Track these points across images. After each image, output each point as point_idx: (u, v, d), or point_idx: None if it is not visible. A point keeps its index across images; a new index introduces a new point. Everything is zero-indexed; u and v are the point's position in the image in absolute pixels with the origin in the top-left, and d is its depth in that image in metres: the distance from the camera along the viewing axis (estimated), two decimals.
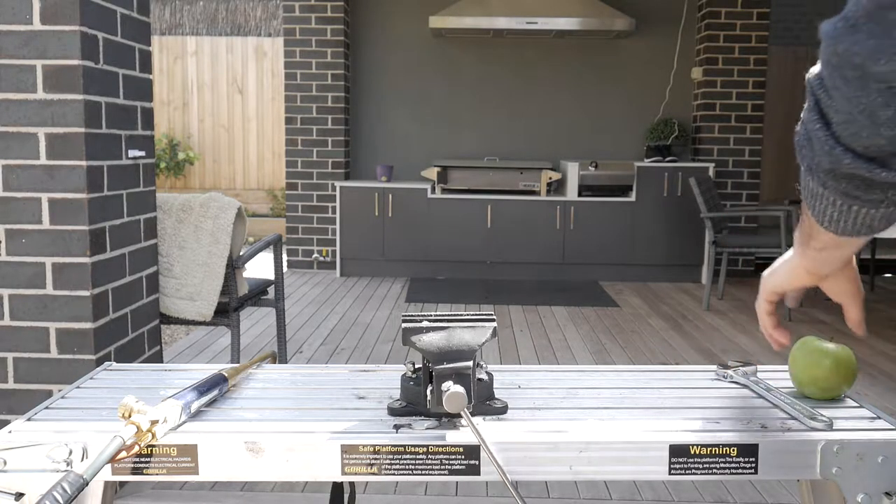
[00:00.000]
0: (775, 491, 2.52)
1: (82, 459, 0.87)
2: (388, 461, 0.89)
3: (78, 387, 1.10)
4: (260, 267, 5.95)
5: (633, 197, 6.12)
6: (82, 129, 2.19)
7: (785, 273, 0.95)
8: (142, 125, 2.58)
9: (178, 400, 0.92)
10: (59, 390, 1.64)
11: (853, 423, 0.95)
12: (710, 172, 6.09)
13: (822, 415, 0.94)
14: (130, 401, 0.86)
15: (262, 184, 10.11)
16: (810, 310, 5.14)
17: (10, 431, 0.91)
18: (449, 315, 0.97)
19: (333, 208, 6.53)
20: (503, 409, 0.99)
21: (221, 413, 0.99)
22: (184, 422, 0.93)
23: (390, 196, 6.19)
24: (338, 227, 6.31)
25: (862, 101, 0.59)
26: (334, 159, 6.51)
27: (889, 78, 0.57)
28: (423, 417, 0.96)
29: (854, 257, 0.89)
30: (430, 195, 6.17)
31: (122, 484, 2.45)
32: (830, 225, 0.75)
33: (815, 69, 0.67)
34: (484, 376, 0.99)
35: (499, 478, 0.89)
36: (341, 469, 0.89)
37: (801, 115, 0.71)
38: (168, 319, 2.99)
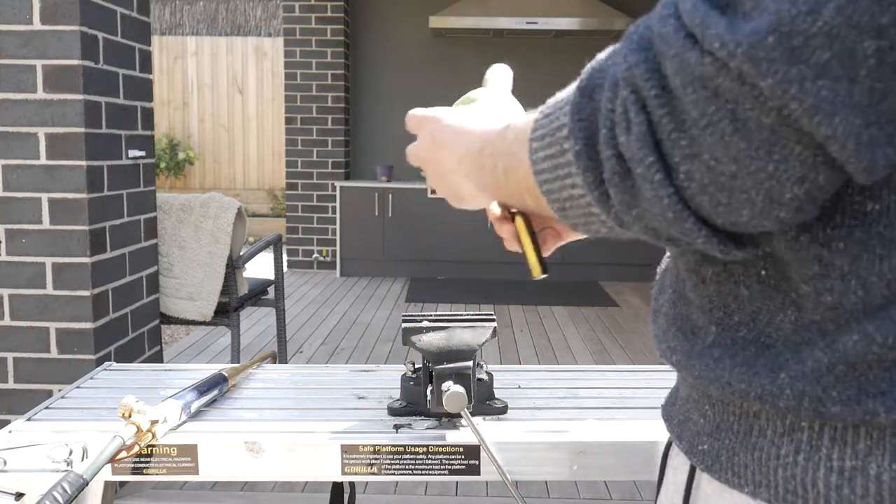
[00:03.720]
0: None
1: (82, 459, 0.87)
2: (388, 461, 0.89)
3: (78, 387, 1.10)
4: (260, 267, 5.95)
5: None
6: (82, 129, 2.19)
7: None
8: (142, 125, 2.58)
9: (178, 400, 0.92)
10: (59, 390, 1.64)
11: None
12: None
13: None
14: (130, 401, 0.86)
15: (262, 184, 10.11)
16: None
17: (10, 431, 0.91)
18: (449, 315, 0.97)
19: (333, 208, 6.53)
20: (503, 409, 0.99)
21: (221, 413, 0.99)
22: (184, 422, 0.93)
23: (390, 196, 6.19)
24: (338, 227, 6.31)
25: (766, 167, 0.38)
26: (334, 159, 6.51)
27: (839, 137, 0.36)
28: (423, 417, 0.96)
29: None
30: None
31: (122, 484, 2.45)
32: (584, 230, 0.52)
33: (645, 59, 0.41)
34: (484, 376, 0.99)
35: (499, 478, 0.89)
36: (341, 469, 0.89)
37: (598, 119, 0.45)
38: (168, 319, 2.99)
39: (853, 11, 0.34)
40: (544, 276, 0.74)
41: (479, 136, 0.65)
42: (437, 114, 0.76)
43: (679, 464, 0.57)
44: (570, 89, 0.49)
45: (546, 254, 0.77)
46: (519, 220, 0.74)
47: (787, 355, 0.45)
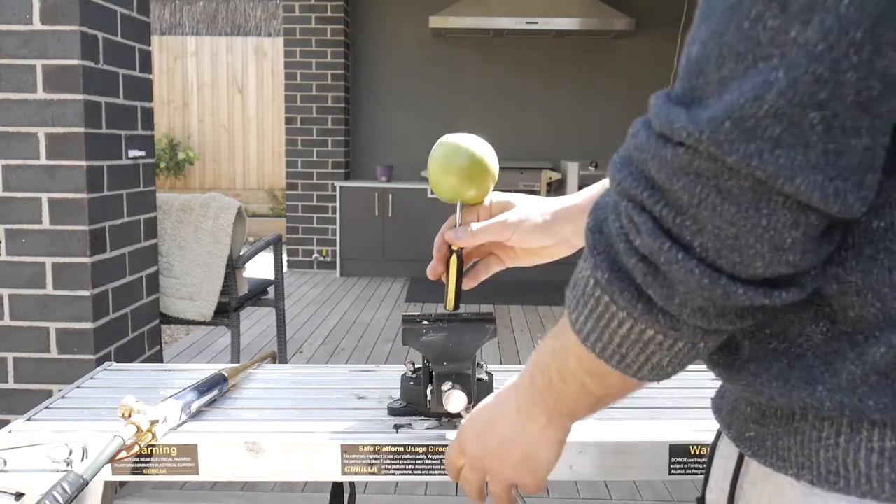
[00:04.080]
0: None
1: (82, 459, 0.87)
2: (388, 461, 0.89)
3: (78, 387, 1.10)
4: (260, 267, 5.95)
5: None
6: (82, 129, 2.19)
7: (541, 460, 0.69)
8: (142, 125, 2.58)
9: (178, 400, 0.92)
10: (59, 390, 1.64)
11: None
12: None
13: None
14: (130, 401, 0.86)
15: (262, 184, 10.11)
16: None
17: (10, 431, 0.91)
18: (449, 315, 0.97)
19: (333, 208, 6.53)
20: None
21: (221, 413, 0.99)
22: (184, 422, 0.93)
23: (390, 196, 6.19)
24: (338, 227, 6.31)
25: (760, 222, 0.43)
26: (334, 159, 6.51)
27: (803, 195, 0.41)
28: (423, 417, 0.96)
29: None
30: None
31: (122, 484, 2.45)
32: (652, 373, 0.55)
33: (632, 174, 0.48)
34: (484, 376, 0.99)
35: None
36: (341, 469, 0.89)
37: (612, 241, 0.50)
38: (168, 319, 2.99)
39: (794, 93, 0.39)
40: (455, 310, 0.89)
41: (512, 386, 0.70)
42: (462, 430, 0.76)
43: (728, 453, 0.60)
44: (583, 257, 0.55)
45: (485, 276, 0.92)
46: (453, 260, 0.88)
47: (821, 367, 0.49)
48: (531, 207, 0.90)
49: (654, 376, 0.56)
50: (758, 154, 0.41)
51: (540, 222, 0.88)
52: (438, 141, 0.95)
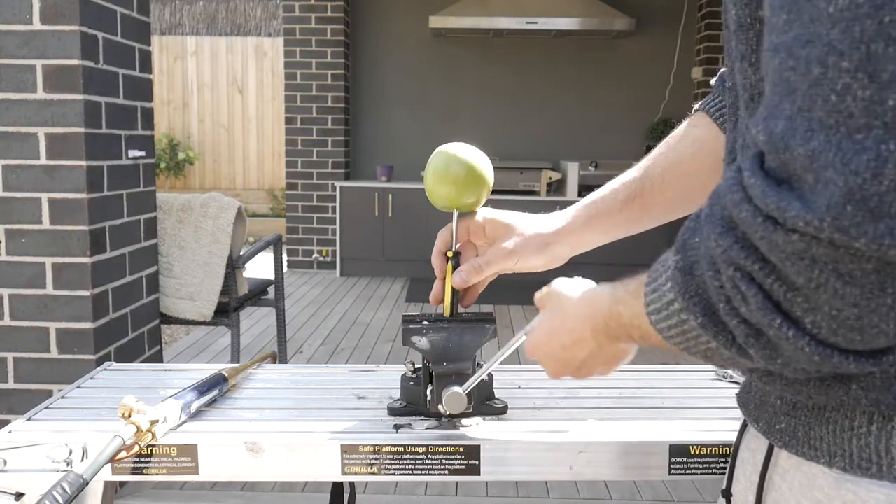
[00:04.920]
0: None
1: (82, 459, 0.87)
2: (388, 461, 0.89)
3: (78, 387, 1.10)
4: (260, 267, 5.95)
5: None
6: (82, 129, 2.19)
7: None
8: (142, 125, 2.58)
9: (178, 400, 0.92)
10: (59, 390, 1.64)
11: None
12: None
13: None
14: (130, 401, 0.86)
15: (262, 184, 10.11)
16: None
17: (10, 431, 0.91)
18: (454, 304, 0.97)
19: (333, 208, 6.53)
20: (503, 409, 0.99)
21: (221, 413, 0.99)
22: (184, 422, 0.93)
23: (390, 196, 6.19)
24: (338, 227, 6.31)
25: (885, 301, 0.41)
26: (334, 159, 6.51)
27: None
28: (423, 417, 0.96)
29: None
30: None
31: (122, 484, 2.45)
32: (701, 359, 0.57)
33: (737, 240, 0.46)
34: (484, 376, 0.99)
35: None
36: (341, 469, 0.89)
37: (711, 297, 0.50)
38: (168, 319, 2.99)
39: None
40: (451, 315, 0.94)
41: (593, 312, 0.73)
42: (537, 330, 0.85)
43: (757, 446, 0.62)
44: (665, 262, 0.56)
45: (482, 290, 0.97)
46: (448, 268, 0.94)
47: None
48: (526, 230, 0.94)
49: (706, 362, 0.57)
50: (889, 233, 0.39)
51: (539, 246, 0.94)
52: (435, 151, 0.96)
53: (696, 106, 0.91)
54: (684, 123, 0.91)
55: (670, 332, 0.56)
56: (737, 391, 0.67)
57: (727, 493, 0.68)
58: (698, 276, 0.50)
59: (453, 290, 0.95)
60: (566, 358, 0.77)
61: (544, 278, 0.88)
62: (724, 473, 0.89)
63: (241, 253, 3.17)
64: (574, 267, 0.96)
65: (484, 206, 0.98)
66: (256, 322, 4.81)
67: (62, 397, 1.05)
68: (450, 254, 0.95)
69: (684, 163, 0.90)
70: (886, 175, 0.38)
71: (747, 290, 0.46)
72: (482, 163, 0.95)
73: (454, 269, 0.94)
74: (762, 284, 0.45)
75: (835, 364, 0.45)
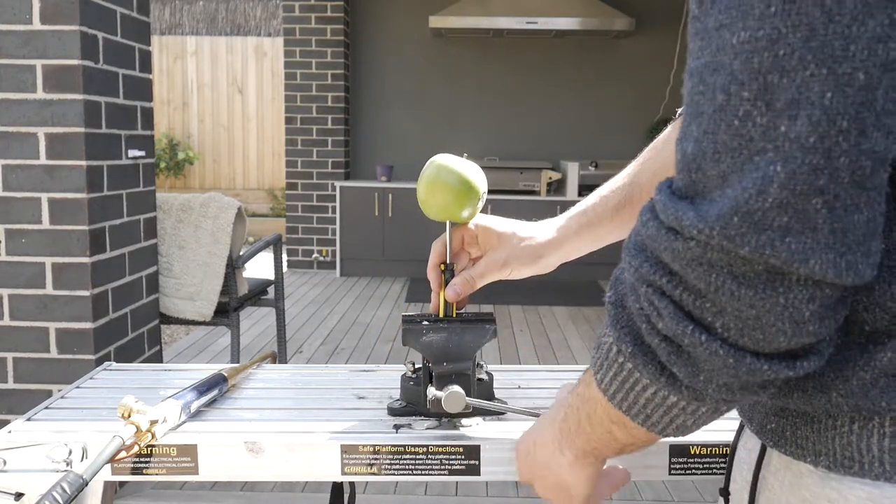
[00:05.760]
0: None
1: (82, 459, 0.87)
2: (388, 461, 0.89)
3: (78, 387, 1.10)
4: (260, 267, 5.95)
5: None
6: (82, 129, 2.19)
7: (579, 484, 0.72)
8: (142, 125, 2.58)
9: (178, 400, 0.92)
10: (59, 390, 1.64)
11: None
12: None
13: None
14: (130, 401, 0.86)
15: (262, 184, 10.11)
16: None
17: (10, 431, 0.91)
18: (449, 315, 0.97)
19: (333, 208, 6.53)
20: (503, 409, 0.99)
21: (221, 413, 0.99)
22: (183, 422, 0.93)
23: (390, 196, 6.19)
24: (338, 227, 6.31)
25: (778, 301, 0.45)
26: (334, 159, 6.51)
27: (818, 273, 0.44)
28: (423, 417, 0.96)
29: None
30: None
31: (122, 484, 2.45)
32: (676, 431, 0.59)
33: (649, 261, 0.50)
34: (484, 376, 0.99)
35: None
36: (341, 469, 0.89)
37: (634, 321, 0.53)
38: (168, 319, 2.99)
39: (795, 184, 0.42)
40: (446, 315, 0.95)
41: (552, 415, 0.73)
42: (517, 445, 0.82)
43: (752, 445, 0.63)
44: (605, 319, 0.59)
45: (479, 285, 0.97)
46: (443, 278, 0.95)
47: (832, 374, 0.51)
48: (518, 241, 0.96)
49: (678, 433, 0.59)
50: (769, 244, 0.43)
51: (532, 257, 0.95)
52: (428, 161, 0.97)
53: (679, 110, 0.92)
54: (669, 127, 0.92)
55: (612, 385, 0.58)
56: None
57: (725, 492, 0.70)
58: (627, 307, 0.54)
59: (447, 301, 0.96)
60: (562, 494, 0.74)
61: (544, 277, 0.88)
62: (724, 473, 0.89)
63: (241, 253, 3.17)
64: (580, 268, 0.96)
65: (482, 210, 0.99)
66: (256, 322, 4.81)
67: (62, 397, 1.05)
68: (442, 266, 0.96)
69: (671, 167, 0.91)
70: (770, 193, 0.42)
71: (660, 304, 0.49)
72: (474, 173, 0.96)
73: (447, 281, 0.95)
74: (672, 296, 0.49)
75: (749, 366, 0.48)
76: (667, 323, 0.49)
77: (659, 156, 0.92)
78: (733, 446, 0.69)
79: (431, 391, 0.90)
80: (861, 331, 0.50)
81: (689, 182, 0.47)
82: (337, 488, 1.09)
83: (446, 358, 0.92)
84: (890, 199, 0.47)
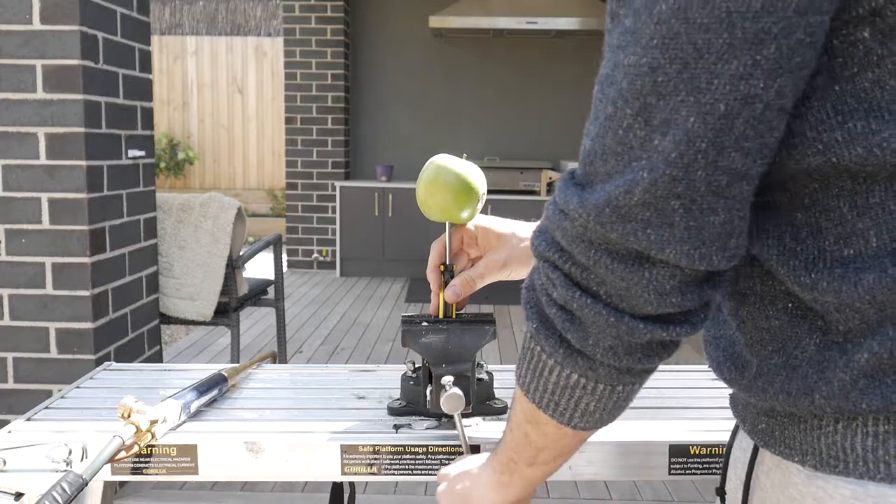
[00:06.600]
0: None
1: (82, 459, 0.87)
2: (388, 461, 0.89)
3: (78, 387, 1.10)
4: (260, 267, 5.95)
5: None
6: (82, 129, 2.19)
7: None
8: (142, 125, 2.58)
9: (178, 400, 0.92)
10: (59, 390, 1.64)
11: None
12: None
13: None
14: (129, 401, 0.86)
15: (262, 184, 10.11)
16: None
17: (9, 431, 0.91)
18: (449, 316, 0.97)
19: (333, 208, 6.53)
20: (503, 409, 0.99)
21: (221, 413, 0.99)
22: (183, 422, 0.93)
23: (390, 196, 6.19)
24: (338, 227, 6.31)
25: (643, 275, 0.52)
26: (334, 159, 6.51)
27: (673, 260, 0.51)
28: (422, 417, 0.96)
29: None
30: None
31: (122, 484, 2.45)
32: (582, 420, 0.62)
33: (546, 240, 0.57)
34: (484, 376, 0.99)
35: None
36: (341, 469, 0.89)
37: (538, 296, 0.59)
38: (168, 319, 2.99)
39: (655, 189, 0.49)
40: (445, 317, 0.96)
41: (497, 452, 0.74)
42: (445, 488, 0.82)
43: (746, 444, 0.66)
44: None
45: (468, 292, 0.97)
46: (443, 279, 0.97)
47: (814, 377, 0.54)
48: (518, 241, 0.97)
49: (584, 423, 0.63)
50: (633, 233, 0.51)
51: (531, 257, 0.96)
52: (427, 162, 0.98)
53: None
54: None
55: (527, 376, 0.63)
56: (663, 402, 0.71)
57: (721, 491, 0.71)
58: (535, 287, 0.60)
59: (447, 302, 0.96)
60: None
61: None
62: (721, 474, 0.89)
63: (241, 253, 3.17)
64: None
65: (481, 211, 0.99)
66: (256, 322, 4.81)
67: (62, 397, 1.05)
68: (442, 267, 0.96)
69: None
70: (635, 194, 0.50)
71: (553, 275, 0.56)
72: (473, 174, 0.96)
73: (447, 282, 0.95)
74: (562, 269, 0.56)
75: (627, 325, 0.54)
76: (560, 292, 0.56)
77: None
78: (729, 446, 0.71)
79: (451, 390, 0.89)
80: (837, 331, 0.53)
81: (584, 173, 0.54)
82: (337, 488, 1.09)
83: (446, 359, 0.92)
84: (850, 207, 0.51)
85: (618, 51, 0.51)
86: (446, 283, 0.96)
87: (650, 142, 0.49)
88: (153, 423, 0.86)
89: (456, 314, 0.98)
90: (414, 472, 0.90)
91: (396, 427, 0.94)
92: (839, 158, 0.49)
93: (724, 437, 0.90)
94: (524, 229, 0.98)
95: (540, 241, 0.58)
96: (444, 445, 0.90)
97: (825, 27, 0.47)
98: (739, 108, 0.47)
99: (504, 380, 1.12)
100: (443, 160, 0.96)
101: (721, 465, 0.90)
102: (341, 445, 0.89)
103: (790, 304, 0.56)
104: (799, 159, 0.51)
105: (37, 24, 2.16)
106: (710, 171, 0.49)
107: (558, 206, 0.56)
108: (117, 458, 0.83)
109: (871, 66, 0.48)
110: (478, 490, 0.75)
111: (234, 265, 3.07)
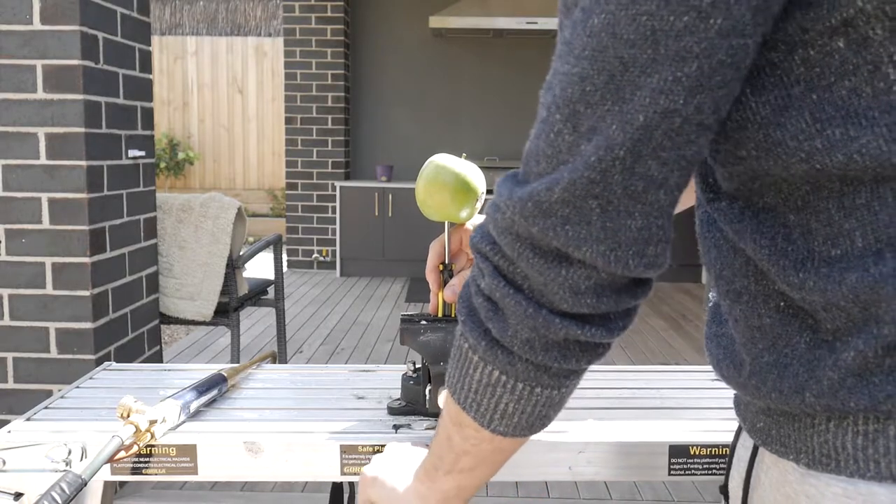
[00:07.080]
0: None
1: (81, 459, 0.87)
2: None
3: (77, 387, 1.10)
4: (260, 267, 5.95)
5: None
6: (82, 129, 2.19)
7: None
8: (142, 125, 2.58)
9: (177, 400, 0.92)
10: (59, 390, 1.64)
11: None
12: None
13: None
14: (129, 401, 0.86)
15: (262, 184, 10.11)
16: None
17: (9, 431, 0.91)
18: (448, 315, 0.97)
19: (333, 208, 6.53)
20: None
21: (221, 413, 0.99)
22: (183, 422, 0.93)
23: (390, 196, 6.19)
24: (338, 227, 6.31)
25: (560, 272, 0.54)
26: (334, 159, 6.51)
27: (590, 259, 0.53)
28: (422, 417, 0.96)
29: None
30: None
31: (121, 484, 2.45)
32: (501, 423, 0.63)
33: (481, 232, 0.59)
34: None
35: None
36: (341, 469, 0.89)
37: (469, 288, 0.61)
38: (168, 319, 2.99)
39: (574, 188, 0.52)
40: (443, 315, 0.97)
41: (424, 459, 0.74)
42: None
43: (748, 444, 0.67)
44: None
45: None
46: (443, 279, 0.97)
47: (805, 375, 0.55)
48: None
49: (503, 427, 0.63)
50: (552, 228, 0.53)
51: None
52: (427, 161, 0.97)
53: None
54: None
55: (455, 374, 0.64)
56: (661, 402, 0.71)
57: (724, 490, 0.72)
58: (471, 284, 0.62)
59: (446, 301, 0.96)
60: None
61: None
62: (724, 473, 0.89)
63: (241, 253, 3.17)
64: None
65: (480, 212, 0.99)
66: (256, 322, 4.81)
67: (61, 397, 1.05)
68: (441, 267, 0.96)
69: None
70: (555, 192, 0.52)
71: (482, 264, 0.58)
72: (472, 173, 0.96)
73: (446, 281, 0.95)
74: (492, 260, 0.58)
75: (545, 318, 0.56)
76: (486, 282, 0.58)
77: None
78: (733, 445, 0.71)
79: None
80: (826, 329, 0.54)
81: (523, 171, 0.57)
82: (336, 488, 1.09)
83: (444, 358, 0.92)
84: (838, 208, 0.52)
85: (557, 59, 0.54)
86: (445, 283, 0.96)
87: (577, 147, 0.52)
88: (152, 423, 0.86)
89: (455, 313, 0.98)
90: None
91: (396, 427, 0.94)
92: (822, 165, 0.51)
93: (725, 438, 0.90)
94: None
95: (476, 233, 0.60)
96: None
97: (748, 50, 0.49)
98: (658, 121, 0.50)
99: None
100: (442, 160, 0.97)
101: (722, 464, 0.90)
102: (341, 445, 0.89)
103: (782, 303, 0.57)
104: (785, 167, 0.52)
105: (37, 24, 2.16)
106: (627, 177, 0.51)
107: (494, 201, 0.58)
108: (117, 458, 0.83)
109: (848, 74, 0.49)
110: (397, 498, 0.74)
111: (234, 265, 3.07)
